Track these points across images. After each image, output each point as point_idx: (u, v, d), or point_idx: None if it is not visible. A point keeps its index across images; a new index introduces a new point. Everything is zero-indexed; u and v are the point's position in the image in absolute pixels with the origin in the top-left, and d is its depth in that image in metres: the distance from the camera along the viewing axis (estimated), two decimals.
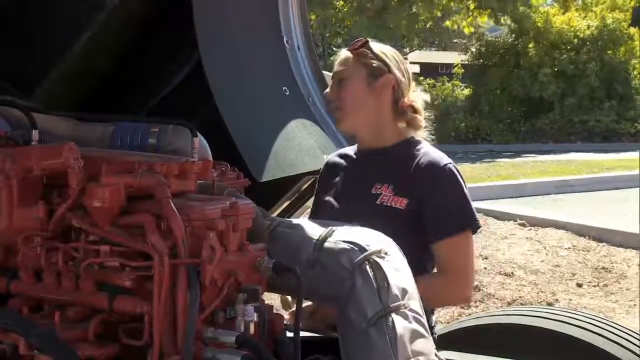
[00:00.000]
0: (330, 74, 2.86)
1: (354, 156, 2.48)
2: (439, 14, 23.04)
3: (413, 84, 2.45)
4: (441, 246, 2.26)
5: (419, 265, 2.21)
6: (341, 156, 2.53)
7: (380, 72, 2.35)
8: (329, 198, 2.42)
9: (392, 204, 2.25)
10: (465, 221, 2.29)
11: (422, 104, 2.45)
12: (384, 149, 2.39)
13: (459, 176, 2.31)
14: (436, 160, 2.31)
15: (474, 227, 2.30)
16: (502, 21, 22.15)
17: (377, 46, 2.39)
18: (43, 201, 1.47)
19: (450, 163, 2.31)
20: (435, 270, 2.37)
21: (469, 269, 2.31)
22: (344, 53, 2.41)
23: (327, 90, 2.44)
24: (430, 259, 2.34)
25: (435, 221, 2.25)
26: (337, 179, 2.45)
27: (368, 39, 2.40)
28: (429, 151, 2.35)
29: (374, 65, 2.35)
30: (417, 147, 2.37)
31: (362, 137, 2.43)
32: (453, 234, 2.26)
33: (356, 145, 2.52)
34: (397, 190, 2.27)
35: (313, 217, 2.50)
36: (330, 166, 2.52)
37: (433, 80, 23.17)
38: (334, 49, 32.25)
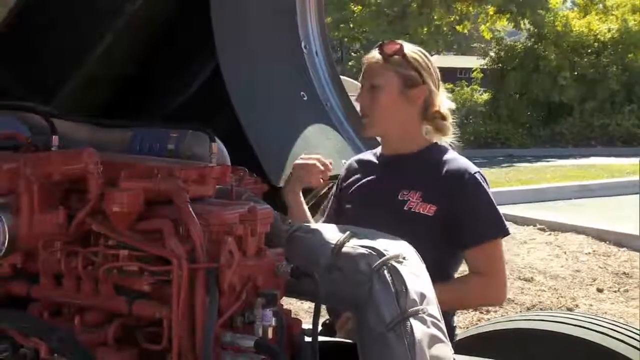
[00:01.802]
0: (348, 79, 2.84)
1: (376, 161, 2.48)
2: (453, 19, 22.99)
3: (442, 88, 2.45)
4: (477, 250, 2.31)
5: (442, 271, 2.24)
6: (362, 160, 2.53)
7: (414, 83, 2.35)
8: (350, 205, 2.42)
9: (421, 211, 2.28)
10: (499, 227, 2.34)
11: (448, 110, 2.45)
12: (410, 155, 2.40)
13: (486, 184, 2.34)
14: (466, 167, 2.34)
15: (506, 232, 2.35)
16: (522, 25, 22.05)
17: (410, 51, 2.37)
18: (63, 206, 1.48)
19: (478, 171, 2.35)
20: (454, 275, 2.40)
21: (504, 271, 2.39)
22: (376, 57, 2.37)
23: (358, 96, 2.42)
24: (453, 265, 2.39)
25: (470, 227, 2.29)
26: (359, 183, 2.44)
27: (402, 42, 2.38)
28: (456, 158, 2.38)
29: (408, 75, 2.35)
30: (444, 154, 2.40)
31: (389, 142, 2.43)
32: (490, 238, 2.31)
33: (378, 149, 2.52)
34: (425, 196, 2.28)
35: (329, 220, 2.49)
36: (351, 171, 2.51)
37: (452, 85, 23.13)
38: (352, 53, 32.27)
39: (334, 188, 2.57)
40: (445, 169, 2.33)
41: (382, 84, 2.35)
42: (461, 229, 2.29)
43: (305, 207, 2.44)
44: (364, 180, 2.44)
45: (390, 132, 2.40)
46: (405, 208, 2.28)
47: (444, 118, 2.42)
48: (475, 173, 2.33)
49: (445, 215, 2.27)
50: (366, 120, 2.40)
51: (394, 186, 2.34)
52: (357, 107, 2.50)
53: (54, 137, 1.58)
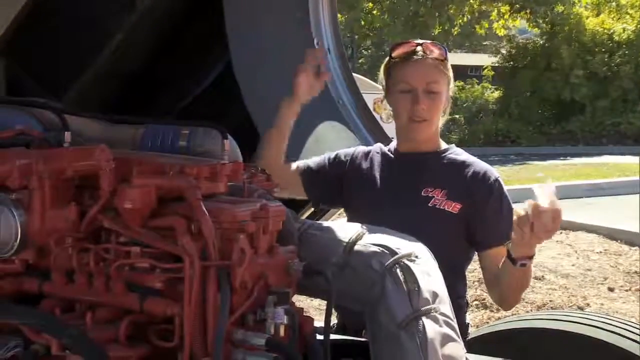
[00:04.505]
0: (360, 76, 2.82)
1: (391, 156, 2.47)
2: (466, 18, 22.91)
3: None
4: (499, 250, 2.30)
5: (456, 269, 2.28)
6: (374, 153, 2.51)
7: (450, 81, 2.43)
8: (363, 197, 2.41)
9: (445, 208, 2.31)
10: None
11: None
12: (432, 153, 2.41)
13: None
14: (491, 171, 2.40)
15: None
16: (542, 22, 21.97)
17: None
18: (75, 203, 1.48)
19: (499, 176, 2.41)
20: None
21: None
22: (427, 58, 2.35)
23: (418, 104, 2.35)
24: (466, 263, 2.44)
25: (494, 228, 2.32)
26: (373, 175, 2.43)
27: (432, 42, 2.41)
28: (478, 161, 2.43)
29: (449, 77, 2.42)
30: (464, 156, 2.45)
31: (421, 140, 2.42)
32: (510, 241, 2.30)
33: (391, 145, 2.51)
34: (449, 194, 2.31)
35: (316, 180, 2.48)
36: (360, 158, 2.49)
37: (462, 82, 23.07)
38: (363, 51, 32.21)
39: (334, 156, 2.54)
40: (470, 171, 2.38)
41: (441, 90, 2.38)
42: (484, 229, 2.33)
43: (288, 125, 2.42)
44: (379, 175, 2.43)
45: (432, 131, 2.42)
46: (429, 204, 2.30)
47: None
48: (498, 178, 2.39)
49: (469, 214, 2.30)
50: (425, 125, 2.39)
51: (416, 183, 2.35)
52: (371, 107, 2.49)
53: (66, 133, 1.58)
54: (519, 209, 2.00)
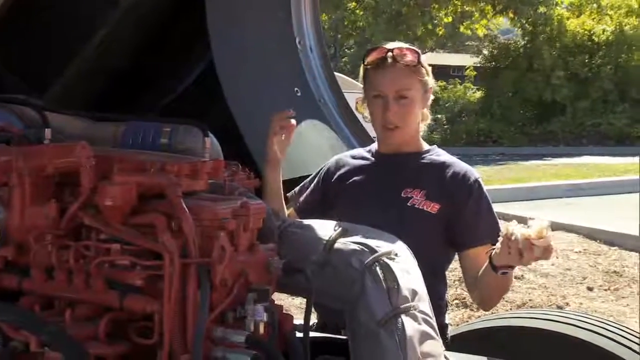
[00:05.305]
0: (342, 75, 2.84)
1: (372, 158, 2.48)
2: (449, 19, 22.98)
3: None
4: (478, 251, 2.32)
5: (435, 269, 2.28)
6: (355, 157, 2.52)
7: (428, 87, 2.41)
8: (346, 200, 2.42)
9: (424, 208, 2.32)
10: (497, 232, 2.32)
11: None
12: (412, 154, 2.42)
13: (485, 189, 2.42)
14: (471, 172, 2.40)
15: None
16: (525, 23, 22.10)
17: (422, 57, 2.40)
18: (55, 200, 1.48)
19: (479, 176, 2.41)
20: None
21: None
22: (397, 64, 2.33)
23: (388, 111, 2.33)
24: (445, 263, 2.44)
25: (473, 228, 2.33)
26: (354, 179, 2.44)
27: (407, 45, 2.39)
28: (458, 161, 2.43)
29: (425, 81, 2.39)
30: (444, 156, 2.45)
31: (398, 144, 2.42)
32: (490, 241, 2.29)
33: (371, 147, 2.52)
34: (428, 195, 2.32)
35: (309, 212, 2.47)
36: (342, 166, 2.50)
37: (444, 82, 23.15)
38: (346, 50, 32.21)
39: (315, 180, 2.55)
40: (450, 172, 2.38)
41: (413, 95, 2.36)
42: (463, 230, 2.34)
43: (280, 185, 2.43)
44: (360, 177, 2.44)
45: (408, 134, 2.42)
46: (408, 204, 2.31)
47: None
48: (478, 178, 2.39)
49: (447, 215, 2.31)
50: (397, 132, 2.38)
51: (396, 183, 2.36)
52: (353, 106, 2.49)
53: (46, 130, 1.58)
54: (511, 228, 1.99)
